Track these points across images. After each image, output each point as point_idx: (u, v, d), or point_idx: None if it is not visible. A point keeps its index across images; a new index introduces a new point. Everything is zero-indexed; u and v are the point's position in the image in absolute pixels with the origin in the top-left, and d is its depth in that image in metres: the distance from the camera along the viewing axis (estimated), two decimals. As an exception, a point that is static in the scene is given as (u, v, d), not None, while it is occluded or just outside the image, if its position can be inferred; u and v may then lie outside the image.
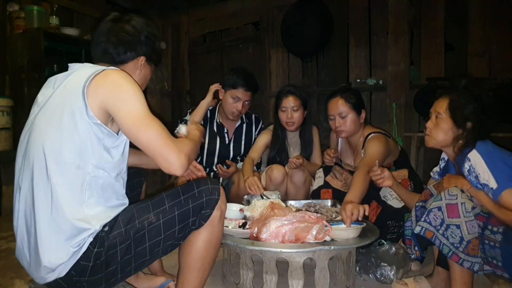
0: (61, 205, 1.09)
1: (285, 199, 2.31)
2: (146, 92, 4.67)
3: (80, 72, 1.16)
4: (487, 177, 1.44)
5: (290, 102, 2.43)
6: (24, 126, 1.23)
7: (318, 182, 2.20)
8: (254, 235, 1.55)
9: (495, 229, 1.39)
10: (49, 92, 1.18)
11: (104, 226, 1.13)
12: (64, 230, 1.09)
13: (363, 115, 2.19)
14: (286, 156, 2.53)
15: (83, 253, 1.10)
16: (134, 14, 1.33)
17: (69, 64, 1.24)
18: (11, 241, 2.45)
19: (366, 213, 1.62)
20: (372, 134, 2.14)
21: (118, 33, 1.27)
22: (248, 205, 1.87)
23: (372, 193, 2.07)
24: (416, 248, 1.65)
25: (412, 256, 1.69)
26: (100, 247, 1.11)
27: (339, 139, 2.39)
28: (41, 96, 1.22)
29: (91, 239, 1.11)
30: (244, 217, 1.80)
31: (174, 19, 4.86)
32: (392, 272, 1.77)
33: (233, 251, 1.72)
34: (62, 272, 1.10)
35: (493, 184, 1.42)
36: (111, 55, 1.28)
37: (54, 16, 3.52)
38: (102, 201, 1.16)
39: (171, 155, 1.11)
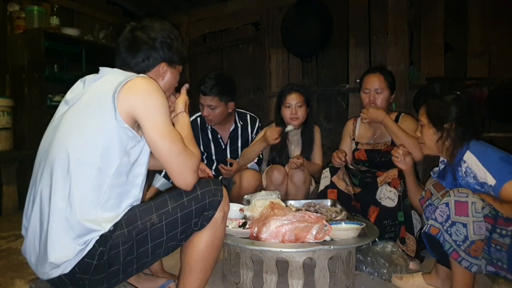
0: (76, 205, 1.09)
1: (285, 199, 2.32)
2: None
3: (110, 77, 1.20)
4: (483, 175, 1.45)
5: (294, 98, 2.48)
6: (50, 123, 1.24)
7: (324, 182, 2.20)
8: (254, 234, 1.55)
9: (503, 232, 1.36)
10: (78, 93, 1.21)
11: None
12: (74, 229, 1.09)
13: (393, 96, 2.30)
14: (287, 156, 2.54)
15: (88, 251, 1.11)
16: (150, 20, 1.34)
17: (100, 68, 1.26)
18: (11, 241, 2.46)
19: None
20: (404, 113, 2.31)
21: (133, 43, 1.30)
22: (248, 205, 1.88)
23: (369, 199, 2.12)
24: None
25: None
26: (104, 247, 1.12)
27: (357, 124, 2.43)
28: (70, 96, 1.24)
29: (97, 237, 1.12)
30: (244, 217, 1.80)
31: (174, 19, 4.86)
32: (386, 270, 1.79)
33: (233, 250, 1.72)
34: (66, 268, 1.11)
35: (491, 181, 1.43)
36: (129, 65, 1.30)
37: (55, 16, 3.52)
38: (118, 204, 1.16)
39: (189, 176, 1.20)
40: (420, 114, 1.69)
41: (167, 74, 1.36)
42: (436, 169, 1.83)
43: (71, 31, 3.61)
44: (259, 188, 2.34)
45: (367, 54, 3.74)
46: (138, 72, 1.27)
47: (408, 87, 3.51)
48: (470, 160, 1.51)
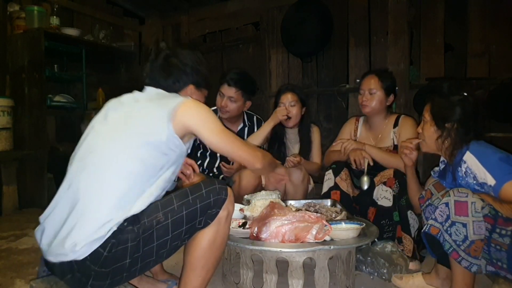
0: (119, 194, 1.18)
1: (284, 198, 2.32)
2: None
3: (161, 96, 1.40)
4: (483, 175, 1.45)
5: (288, 98, 2.52)
6: (91, 124, 1.35)
7: (328, 183, 2.20)
8: (254, 234, 1.56)
9: (503, 232, 1.36)
10: (130, 101, 1.38)
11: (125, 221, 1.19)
12: (108, 215, 1.15)
13: (391, 98, 2.29)
14: (285, 155, 2.55)
15: (105, 240, 1.14)
16: (182, 49, 1.54)
17: (146, 87, 1.45)
18: (11, 241, 2.46)
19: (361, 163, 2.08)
20: (403, 115, 2.29)
21: (167, 67, 1.47)
22: (248, 205, 1.88)
23: (367, 201, 2.13)
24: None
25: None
26: (116, 239, 1.15)
27: (359, 125, 2.43)
28: (117, 105, 1.37)
29: (115, 228, 1.16)
30: (244, 217, 1.80)
31: (174, 19, 4.86)
32: (386, 270, 1.79)
33: (233, 250, 1.72)
34: (82, 254, 1.13)
35: (490, 181, 1.43)
36: (163, 86, 1.45)
37: (55, 16, 3.52)
38: (145, 203, 1.23)
39: (250, 157, 1.44)
40: (425, 110, 1.69)
41: (194, 95, 1.51)
42: (437, 168, 1.83)
43: (71, 31, 3.62)
44: (258, 187, 2.34)
45: (367, 54, 3.74)
46: (170, 92, 1.46)
47: (408, 87, 3.51)
48: (470, 161, 1.51)
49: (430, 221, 1.46)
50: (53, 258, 1.17)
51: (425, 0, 3.50)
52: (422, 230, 1.54)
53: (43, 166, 3.32)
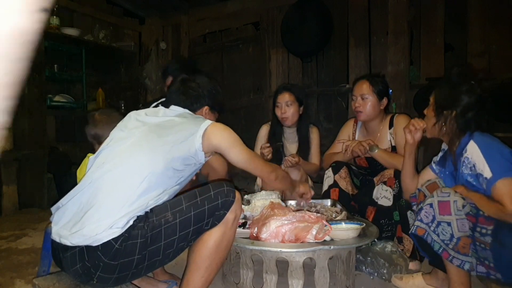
0: (140, 192, 1.23)
1: (283, 198, 2.31)
2: (146, 92, 4.69)
3: (196, 118, 1.51)
4: (482, 166, 1.45)
5: (284, 98, 2.50)
6: (121, 130, 1.44)
7: (328, 181, 2.20)
8: (254, 234, 1.56)
9: (483, 230, 1.37)
10: (156, 114, 1.49)
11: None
12: (127, 209, 1.20)
13: (384, 101, 2.26)
14: (282, 154, 2.55)
15: (120, 233, 1.17)
16: (199, 75, 1.70)
17: (172, 106, 1.56)
18: (11, 241, 2.46)
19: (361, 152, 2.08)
20: (397, 114, 2.28)
21: (186, 90, 1.60)
22: (248, 205, 1.88)
23: (366, 200, 2.13)
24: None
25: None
26: (127, 234, 1.17)
27: (357, 128, 2.43)
28: (146, 117, 1.47)
29: (131, 222, 1.19)
30: (244, 217, 1.80)
31: (174, 19, 4.86)
32: (386, 270, 1.79)
33: (233, 250, 1.72)
34: (98, 240, 1.15)
35: (487, 173, 1.42)
36: (181, 106, 1.57)
37: (54, 16, 3.52)
38: (161, 201, 1.29)
39: (269, 174, 1.62)
40: (431, 95, 1.68)
41: (207, 116, 1.62)
42: (436, 158, 1.82)
43: (71, 31, 3.62)
44: (226, 168, 2.29)
45: (367, 54, 3.74)
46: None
47: (408, 87, 3.51)
48: (472, 150, 1.49)
49: (417, 222, 1.47)
50: (67, 239, 1.19)
51: (425, 0, 3.50)
52: (409, 232, 1.54)
53: (43, 166, 3.32)
